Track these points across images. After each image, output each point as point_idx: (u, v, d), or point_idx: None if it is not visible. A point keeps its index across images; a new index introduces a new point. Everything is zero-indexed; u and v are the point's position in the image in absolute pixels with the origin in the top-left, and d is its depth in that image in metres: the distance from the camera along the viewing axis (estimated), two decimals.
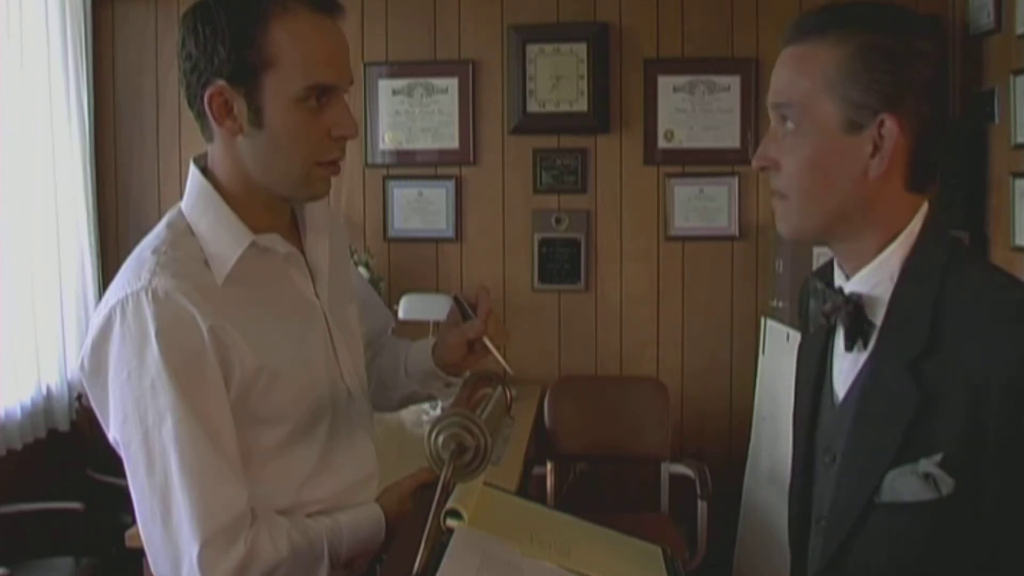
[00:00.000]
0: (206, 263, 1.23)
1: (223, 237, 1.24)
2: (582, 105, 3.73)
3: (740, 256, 3.78)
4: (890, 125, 1.04)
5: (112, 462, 3.90)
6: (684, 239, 3.79)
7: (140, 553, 2.36)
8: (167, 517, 1.18)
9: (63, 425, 3.51)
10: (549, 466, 3.45)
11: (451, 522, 1.10)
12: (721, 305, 3.79)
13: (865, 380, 1.08)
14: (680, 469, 3.44)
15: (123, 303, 1.17)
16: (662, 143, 3.77)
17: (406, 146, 3.85)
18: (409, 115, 3.84)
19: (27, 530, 3.02)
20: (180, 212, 1.28)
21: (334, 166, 1.27)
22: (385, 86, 3.82)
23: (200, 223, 1.25)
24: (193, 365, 1.17)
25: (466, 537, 1.08)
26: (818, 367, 1.18)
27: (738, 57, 3.71)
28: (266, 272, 1.28)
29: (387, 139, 3.86)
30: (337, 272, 1.41)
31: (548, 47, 3.73)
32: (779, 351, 3.36)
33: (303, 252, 1.35)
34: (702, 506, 3.25)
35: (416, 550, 0.99)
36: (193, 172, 1.29)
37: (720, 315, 3.79)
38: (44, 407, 3.43)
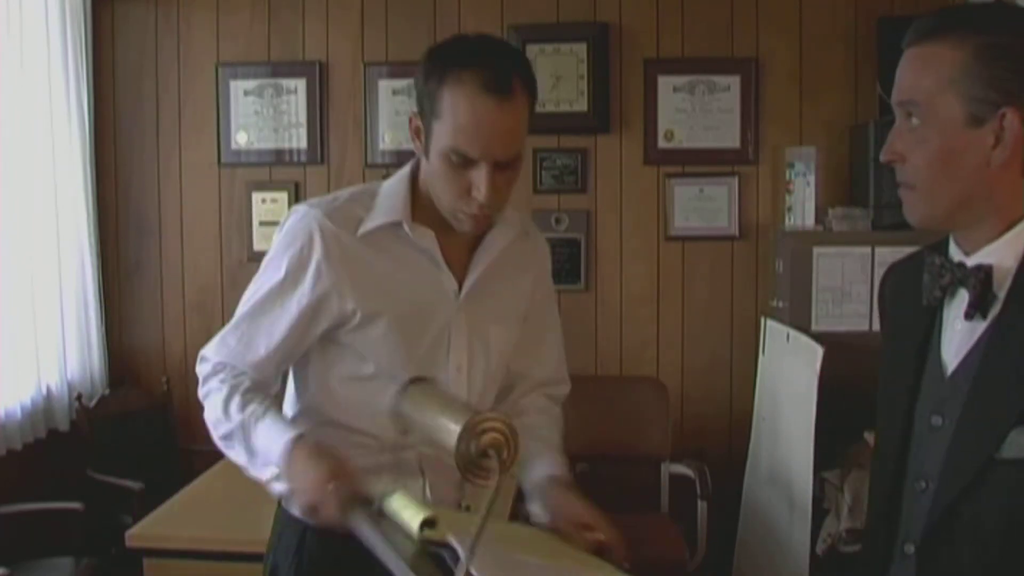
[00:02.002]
0: (362, 220, 1.49)
1: (385, 208, 1.50)
2: (582, 105, 3.73)
3: (740, 256, 3.78)
4: (1011, 118, 1.11)
5: (112, 462, 3.92)
6: (684, 239, 3.79)
7: (140, 553, 2.37)
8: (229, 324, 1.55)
9: (63, 425, 3.52)
10: None
11: (428, 532, 1.13)
12: (721, 305, 3.79)
13: (986, 347, 1.15)
14: (680, 469, 3.44)
15: (303, 208, 1.52)
16: (662, 143, 3.77)
17: (406, 146, 3.83)
18: (409, 116, 3.83)
19: (27, 530, 3.02)
20: (384, 180, 1.56)
21: (475, 218, 1.45)
22: (385, 86, 3.82)
23: (384, 191, 1.53)
24: (292, 273, 1.49)
25: (486, 548, 1.09)
26: (920, 343, 1.24)
27: (738, 57, 3.72)
28: (403, 250, 1.51)
29: (387, 139, 3.86)
30: (500, 294, 1.58)
31: (548, 47, 3.73)
32: (779, 351, 3.36)
33: (469, 257, 1.55)
34: (702, 506, 3.25)
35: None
36: (413, 161, 1.56)
37: (720, 315, 3.79)
38: (44, 407, 3.44)
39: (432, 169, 1.45)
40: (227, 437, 1.48)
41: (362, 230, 1.49)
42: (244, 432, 1.45)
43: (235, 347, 1.52)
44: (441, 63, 1.39)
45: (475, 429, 1.15)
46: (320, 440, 1.42)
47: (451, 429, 1.16)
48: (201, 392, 1.54)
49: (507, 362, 1.63)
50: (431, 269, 1.52)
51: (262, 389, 1.53)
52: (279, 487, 1.42)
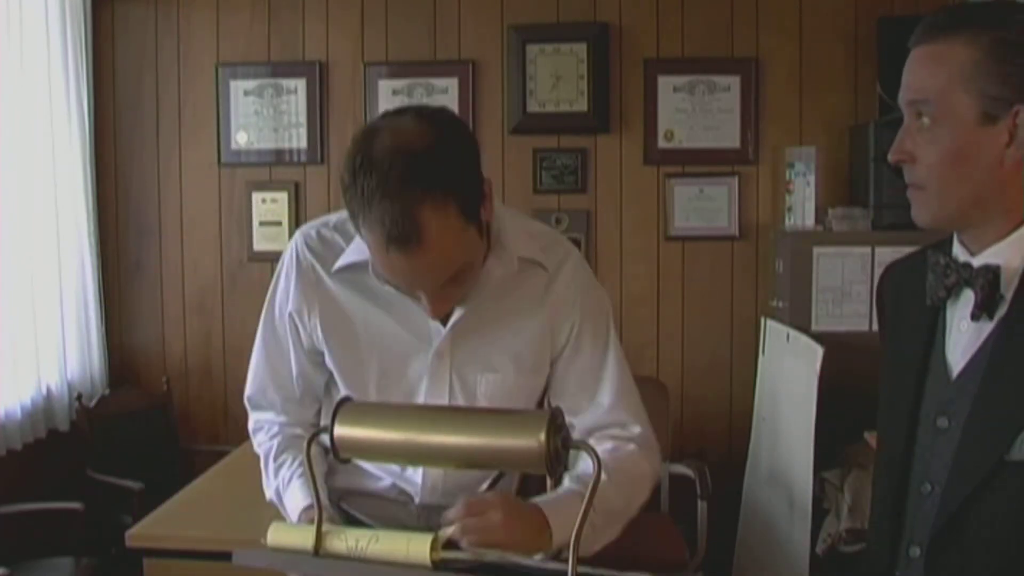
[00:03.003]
0: (341, 253, 1.43)
1: (360, 243, 1.36)
2: (582, 105, 3.73)
3: (740, 256, 3.78)
4: None
5: (112, 462, 3.91)
6: (684, 239, 3.79)
7: (140, 553, 2.36)
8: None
9: (63, 425, 3.51)
10: None
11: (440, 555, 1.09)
12: (721, 305, 3.79)
13: (993, 348, 1.13)
14: (680, 469, 3.44)
15: (294, 236, 1.51)
16: (662, 143, 3.77)
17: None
18: None
19: (27, 530, 3.02)
20: None
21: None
22: (385, 86, 3.82)
23: None
24: (282, 300, 1.49)
25: None
26: (923, 344, 1.22)
27: (738, 57, 3.71)
28: (381, 288, 1.38)
29: None
30: (495, 337, 1.43)
31: (548, 47, 3.73)
32: (779, 351, 3.36)
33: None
34: (702, 506, 3.25)
35: None
36: None
37: (720, 315, 3.79)
38: (44, 407, 3.43)
39: None
40: (274, 497, 1.51)
41: (335, 267, 1.43)
42: (280, 499, 1.48)
43: (264, 381, 1.54)
44: (350, 192, 1.22)
45: (555, 424, 1.02)
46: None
47: (532, 437, 1.01)
48: (251, 434, 1.59)
49: None
50: (414, 308, 1.38)
51: (299, 432, 1.53)
52: None
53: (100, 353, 3.78)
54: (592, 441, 1.41)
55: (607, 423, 1.47)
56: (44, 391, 3.44)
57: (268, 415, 1.56)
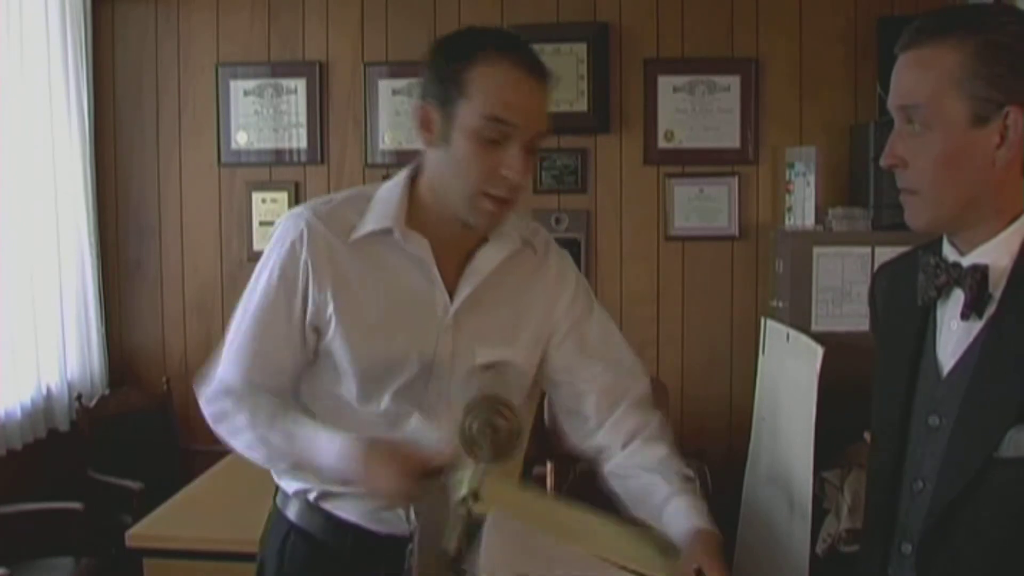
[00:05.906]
0: (354, 226, 1.45)
1: (378, 213, 1.45)
2: (582, 105, 3.73)
3: (740, 256, 3.78)
4: (1015, 116, 1.10)
5: (112, 462, 3.91)
6: (684, 239, 3.79)
7: (140, 553, 2.37)
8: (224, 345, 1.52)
9: (63, 425, 3.52)
10: (549, 466, 3.44)
11: (479, 505, 1.15)
12: (721, 305, 3.79)
13: (983, 347, 1.14)
14: None
15: (295, 209, 1.51)
16: (662, 143, 3.77)
17: (406, 146, 3.84)
18: (410, 115, 3.82)
19: (27, 530, 3.02)
20: (382, 184, 1.51)
21: (499, 202, 1.39)
22: (385, 86, 3.82)
23: (380, 196, 1.48)
24: (281, 281, 1.45)
25: (502, 522, 1.12)
26: (915, 343, 1.23)
27: (738, 57, 3.72)
28: (395, 261, 1.45)
29: (387, 139, 3.86)
30: (495, 315, 1.50)
31: (548, 47, 3.72)
32: (779, 351, 3.36)
33: (460, 273, 1.47)
34: None
35: (441, 532, 1.10)
36: (411, 166, 1.50)
37: (720, 315, 3.79)
38: (44, 407, 3.44)
39: (454, 154, 1.37)
40: (261, 447, 1.43)
41: (353, 236, 1.44)
42: (289, 442, 1.41)
43: (248, 367, 1.45)
44: (470, 46, 1.38)
45: (478, 408, 1.19)
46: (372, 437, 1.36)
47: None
48: (211, 414, 1.47)
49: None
50: (422, 283, 1.46)
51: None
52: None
53: (100, 353, 3.78)
54: (617, 416, 1.53)
55: (625, 382, 1.57)
56: (44, 391, 3.44)
57: (228, 403, 1.46)
